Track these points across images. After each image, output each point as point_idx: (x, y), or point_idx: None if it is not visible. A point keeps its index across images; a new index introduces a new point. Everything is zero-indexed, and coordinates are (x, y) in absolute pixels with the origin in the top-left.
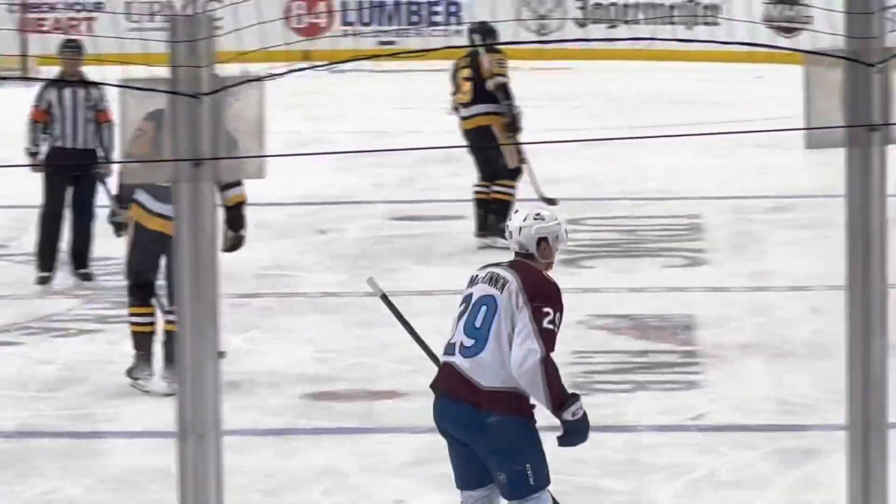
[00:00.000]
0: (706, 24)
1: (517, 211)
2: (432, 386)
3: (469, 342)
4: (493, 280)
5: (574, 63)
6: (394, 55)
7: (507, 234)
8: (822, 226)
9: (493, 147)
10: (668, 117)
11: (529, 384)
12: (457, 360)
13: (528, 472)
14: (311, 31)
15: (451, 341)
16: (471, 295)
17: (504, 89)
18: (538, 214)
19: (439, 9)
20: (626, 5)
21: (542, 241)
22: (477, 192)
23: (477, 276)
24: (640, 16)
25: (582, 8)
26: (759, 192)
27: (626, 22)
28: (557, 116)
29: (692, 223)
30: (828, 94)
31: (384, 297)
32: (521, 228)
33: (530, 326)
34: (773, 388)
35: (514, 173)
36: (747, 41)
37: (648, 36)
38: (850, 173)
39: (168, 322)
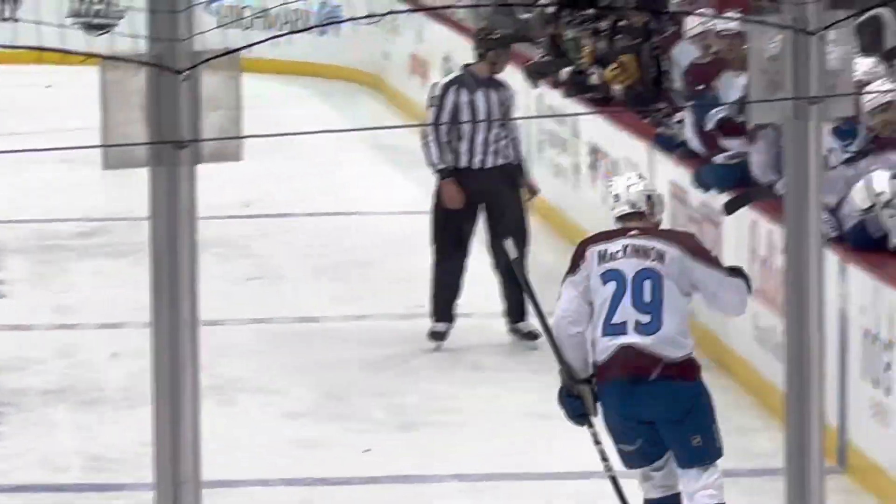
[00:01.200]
0: (4, 19)
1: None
2: (604, 376)
3: (644, 318)
4: (643, 252)
5: None
6: None
7: (612, 202)
8: (138, 252)
9: None
10: None
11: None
12: (635, 339)
13: (716, 435)
14: None
15: (615, 321)
16: (618, 272)
17: None
18: (640, 175)
19: None
20: None
21: (649, 198)
22: None
23: (606, 250)
24: None
25: None
26: (62, 215)
27: None
28: None
29: None
30: (128, 105)
31: (516, 261)
32: (631, 189)
33: (716, 272)
34: (83, 441)
35: None
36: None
37: None
38: (155, 194)
39: None
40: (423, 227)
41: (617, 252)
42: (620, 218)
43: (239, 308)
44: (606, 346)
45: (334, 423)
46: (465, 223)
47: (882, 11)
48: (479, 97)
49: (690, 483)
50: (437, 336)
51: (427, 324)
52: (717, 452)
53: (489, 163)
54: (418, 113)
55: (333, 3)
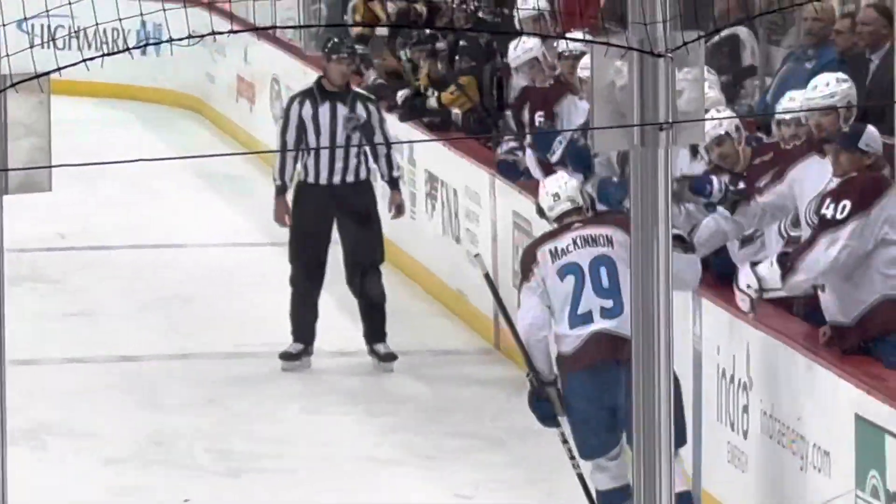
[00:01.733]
0: None
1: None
2: (571, 366)
3: (608, 303)
4: (592, 241)
5: None
6: None
7: (551, 202)
8: None
9: None
10: None
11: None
12: (604, 324)
13: (682, 421)
14: None
15: (581, 312)
16: (574, 264)
17: None
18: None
19: None
20: None
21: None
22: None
23: (556, 247)
24: None
25: None
26: None
27: None
28: None
29: None
30: None
31: (487, 277)
32: (567, 185)
33: None
34: None
35: None
36: None
37: None
38: None
39: None
40: (251, 260)
41: (567, 246)
42: (561, 216)
43: (54, 346)
44: (575, 337)
45: (156, 469)
46: (317, 241)
47: (739, 30)
48: (324, 111)
49: (608, 461)
50: (288, 357)
51: (255, 362)
52: (682, 438)
53: (336, 179)
54: (245, 139)
55: (153, 22)
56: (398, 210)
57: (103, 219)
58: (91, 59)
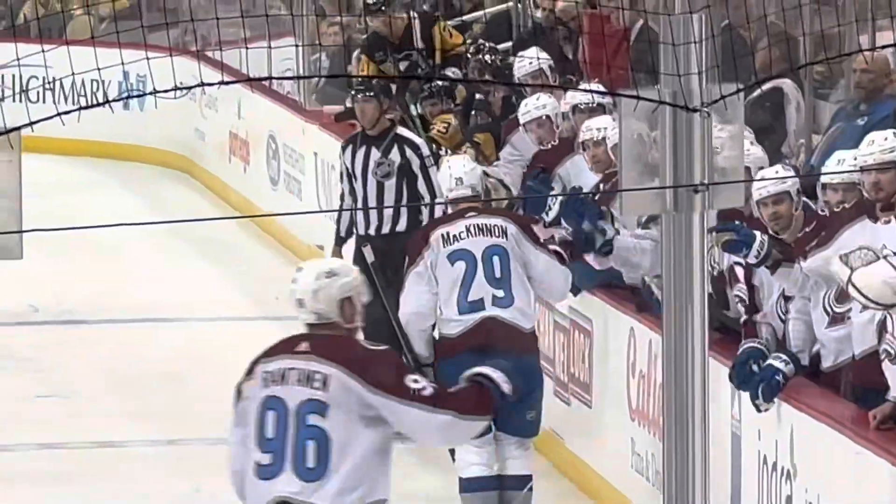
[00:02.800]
0: None
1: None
2: (456, 349)
3: (499, 293)
4: (486, 230)
5: None
6: None
7: (452, 183)
8: None
9: None
10: None
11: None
12: (495, 312)
13: (541, 413)
14: None
15: (472, 299)
16: (466, 251)
17: None
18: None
19: None
20: None
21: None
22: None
23: (449, 233)
24: None
25: None
26: None
27: None
28: None
29: None
30: None
31: (374, 265)
32: (471, 172)
33: (545, 255)
34: None
35: None
36: None
37: None
38: None
39: None
40: (242, 334)
41: (461, 233)
42: (457, 200)
43: (25, 431)
44: (462, 321)
45: None
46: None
47: (783, 82)
48: (359, 156)
49: (511, 450)
50: None
51: None
52: (538, 429)
53: (371, 230)
54: (238, 202)
55: (137, 73)
56: None
57: (79, 290)
58: (67, 112)
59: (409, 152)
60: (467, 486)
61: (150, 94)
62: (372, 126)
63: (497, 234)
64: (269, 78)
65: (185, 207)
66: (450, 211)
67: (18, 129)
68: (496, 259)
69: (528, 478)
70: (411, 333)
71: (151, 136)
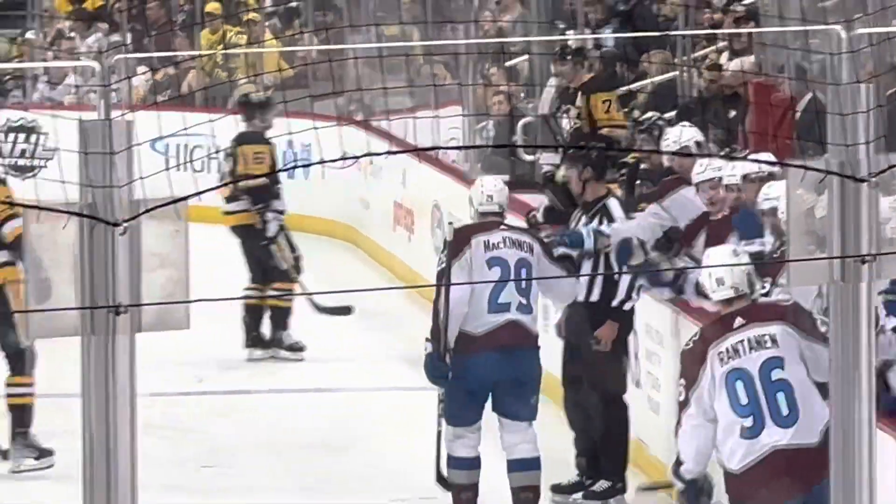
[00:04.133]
0: None
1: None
2: (479, 345)
3: (524, 300)
4: (518, 244)
5: None
6: None
7: (483, 199)
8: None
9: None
10: None
11: None
12: (517, 316)
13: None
14: None
15: (501, 301)
16: (502, 259)
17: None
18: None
19: None
20: None
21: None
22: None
23: (489, 240)
24: None
25: None
26: None
27: None
28: None
29: None
30: (56, 263)
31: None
32: (500, 191)
33: (559, 269)
34: None
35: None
36: None
37: None
38: (86, 369)
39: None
40: (406, 405)
41: (499, 242)
42: (487, 213)
43: (191, 500)
44: (489, 321)
45: None
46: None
47: None
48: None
49: (518, 435)
50: None
51: None
52: (537, 413)
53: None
54: (402, 272)
55: (302, 142)
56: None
57: (243, 359)
58: (232, 181)
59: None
60: (456, 463)
61: (318, 163)
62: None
63: (526, 249)
64: (436, 148)
65: (350, 277)
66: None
67: (185, 198)
68: (524, 271)
69: (539, 458)
70: (453, 315)
71: (317, 205)
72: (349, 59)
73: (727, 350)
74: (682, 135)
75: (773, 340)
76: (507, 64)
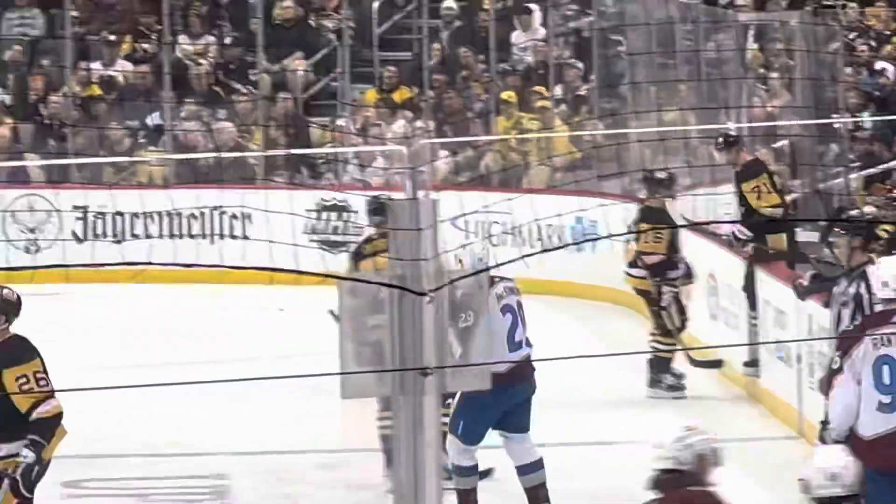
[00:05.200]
0: (233, 237)
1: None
2: (505, 380)
3: (527, 334)
4: (515, 290)
5: (61, 287)
6: None
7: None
8: (378, 488)
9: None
10: (178, 352)
11: None
12: (528, 350)
13: None
14: None
15: (517, 340)
16: (510, 306)
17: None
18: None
19: None
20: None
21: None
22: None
23: (497, 293)
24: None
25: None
26: (298, 447)
27: (136, 236)
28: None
29: (216, 485)
30: (367, 329)
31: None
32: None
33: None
34: None
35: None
36: (269, 266)
37: (146, 260)
38: (398, 425)
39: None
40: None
41: (503, 293)
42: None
43: None
44: (510, 357)
45: None
46: None
47: None
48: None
49: (525, 443)
50: None
51: None
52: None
53: None
54: (681, 337)
55: (589, 218)
56: None
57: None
58: (530, 255)
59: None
60: (460, 472)
61: (607, 237)
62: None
63: (516, 293)
64: (714, 222)
65: (631, 340)
66: None
67: (487, 269)
68: (521, 311)
69: (542, 458)
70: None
71: (602, 274)
72: (632, 143)
73: (881, 338)
74: None
75: None
76: (774, 145)
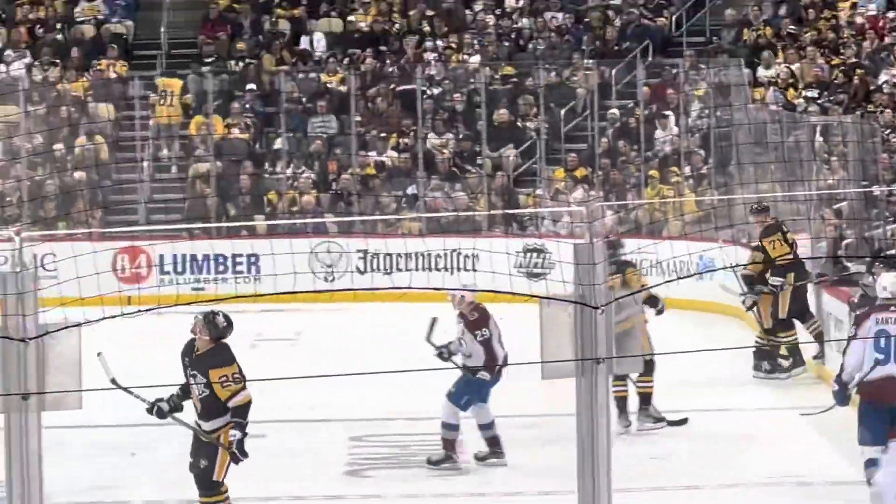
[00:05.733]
0: (467, 270)
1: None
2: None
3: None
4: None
5: (349, 304)
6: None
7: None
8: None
9: None
10: (428, 348)
11: None
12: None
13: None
14: (134, 280)
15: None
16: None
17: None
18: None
19: (241, 260)
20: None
21: None
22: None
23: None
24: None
25: (363, 258)
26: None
27: (400, 269)
28: None
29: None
30: (559, 332)
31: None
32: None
33: None
34: None
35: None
36: (490, 288)
37: (408, 285)
38: (579, 397)
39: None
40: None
41: (499, 321)
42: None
43: None
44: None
45: None
46: None
47: None
48: None
49: (484, 409)
50: None
51: None
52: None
53: None
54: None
55: (708, 256)
56: None
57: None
58: (668, 281)
59: None
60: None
61: (721, 268)
62: None
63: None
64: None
65: (734, 338)
66: None
67: (637, 292)
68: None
69: (494, 420)
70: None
71: (718, 294)
72: (738, 205)
73: (883, 318)
74: None
75: None
76: (834, 206)
